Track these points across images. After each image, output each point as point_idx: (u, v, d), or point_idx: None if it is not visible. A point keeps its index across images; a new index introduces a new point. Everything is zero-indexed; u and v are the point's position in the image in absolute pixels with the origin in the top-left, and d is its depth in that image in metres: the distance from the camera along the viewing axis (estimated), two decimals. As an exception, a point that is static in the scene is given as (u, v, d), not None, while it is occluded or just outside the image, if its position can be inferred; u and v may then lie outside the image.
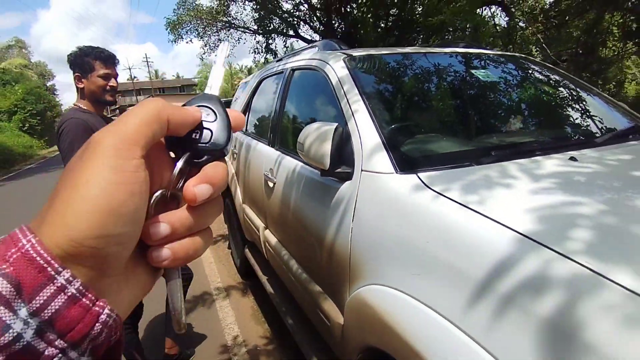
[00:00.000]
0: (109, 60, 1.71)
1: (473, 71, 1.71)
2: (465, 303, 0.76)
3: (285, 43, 16.29)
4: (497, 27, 10.35)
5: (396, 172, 1.11)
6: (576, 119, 1.58)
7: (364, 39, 11.79)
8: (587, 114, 1.60)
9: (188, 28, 16.19)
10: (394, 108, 1.50)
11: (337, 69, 1.58)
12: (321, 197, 1.40)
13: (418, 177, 1.04)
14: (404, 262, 0.96)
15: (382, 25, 12.79)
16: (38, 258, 0.22)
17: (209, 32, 16.18)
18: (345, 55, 1.67)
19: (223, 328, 2.59)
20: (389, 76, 1.65)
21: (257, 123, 2.75)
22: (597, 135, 1.42)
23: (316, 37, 16.33)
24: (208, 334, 2.51)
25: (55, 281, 0.22)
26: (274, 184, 1.98)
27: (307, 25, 16.05)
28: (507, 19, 10.52)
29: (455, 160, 1.11)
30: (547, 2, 9.38)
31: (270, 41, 15.49)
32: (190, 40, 16.50)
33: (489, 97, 1.69)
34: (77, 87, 1.73)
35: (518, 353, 0.63)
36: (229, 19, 15.85)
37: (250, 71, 43.51)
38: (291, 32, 16.02)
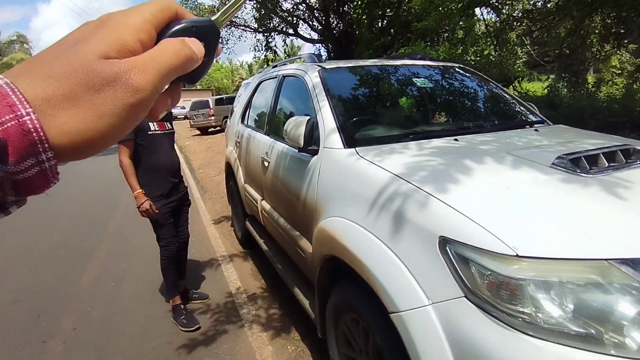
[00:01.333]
0: None
1: (414, 79, 2.35)
2: (373, 216, 1.39)
3: (285, 41, 16.80)
4: (489, 28, 10.85)
5: (344, 147, 1.75)
6: (479, 114, 2.23)
7: (360, 39, 12.38)
8: (490, 110, 2.24)
9: (190, 24, 16.61)
10: (349, 105, 2.14)
11: (312, 77, 2.22)
12: (299, 167, 2.04)
13: (355, 150, 1.68)
14: (343, 200, 1.59)
15: (378, 25, 13.34)
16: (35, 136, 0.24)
17: (210, 30, 16.70)
18: (320, 67, 2.31)
19: (228, 283, 3.23)
20: (348, 82, 2.29)
21: (256, 117, 3.38)
22: (486, 126, 2.05)
23: (315, 35, 16.95)
24: (216, 287, 3.15)
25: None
26: (269, 163, 2.61)
27: (306, 24, 16.61)
28: (497, 19, 11.06)
29: (380, 141, 1.76)
30: (530, 4, 9.90)
31: (270, 39, 16.00)
32: (192, 38, 16.98)
33: (422, 98, 2.33)
34: None
35: (402, 243, 1.25)
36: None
37: (250, 67, 44.04)
38: (290, 31, 16.62)
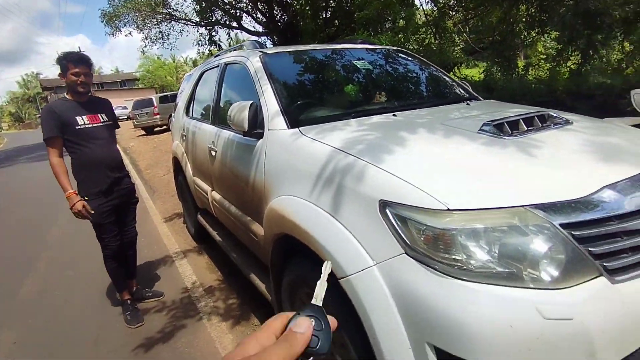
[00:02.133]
0: (79, 61, 2.24)
1: (355, 62, 2.42)
2: (318, 190, 1.43)
3: (229, 35, 16.37)
4: (428, 17, 11.26)
5: (287, 128, 1.77)
6: (417, 92, 2.35)
7: (304, 30, 12.37)
8: (427, 88, 2.37)
9: (126, 20, 15.63)
10: (291, 87, 2.17)
11: (254, 62, 2.22)
12: (246, 152, 2.03)
13: (299, 130, 1.71)
14: (290, 178, 1.62)
15: (322, 16, 13.39)
16: None
17: (149, 25, 15.82)
18: (261, 53, 2.30)
19: (183, 278, 3.15)
20: (290, 66, 2.31)
21: (201, 108, 3.30)
22: (423, 102, 2.18)
23: (260, 28, 16.67)
24: (171, 284, 3.07)
25: None
26: (216, 152, 2.57)
27: (250, 17, 16.26)
28: (435, 9, 11.54)
29: (322, 120, 1.80)
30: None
31: (213, 33, 15.52)
32: (130, 33, 16.03)
33: (362, 79, 2.41)
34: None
35: (345, 211, 1.30)
36: (169, 10, 15.63)
37: (195, 63, 42.50)
38: (234, 24, 16.20)
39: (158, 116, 14.58)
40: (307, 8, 11.46)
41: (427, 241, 1.06)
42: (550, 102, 7.26)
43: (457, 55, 11.03)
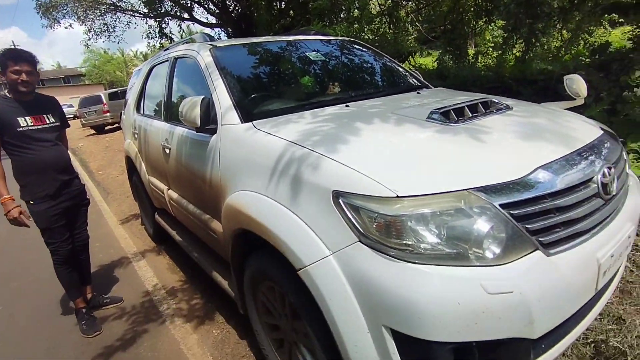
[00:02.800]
0: (19, 58, 2.09)
1: (307, 53, 2.42)
2: (273, 184, 1.43)
3: (180, 26, 15.73)
4: (382, 7, 11.38)
5: (241, 123, 1.75)
6: (370, 83, 2.40)
7: (259, 21, 12.12)
8: (379, 78, 2.42)
9: (65, 11, 14.56)
10: (244, 81, 2.14)
11: (204, 56, 2.16)
12: (200, 148, 1.99)
13: (252, 124, 1.70)
14: (245, 173, 1.61)
15: (276, 7, 13.19)
16: None
17: (91, 16, 14.86)
18: (212, 46, 2.25)
19: (143, 281, 3.05)
20: (242, 59, 2.28)
21: (152, 104, 3.17)
22: (376, 92, 2.22)
23: (212, 19, 16.13)
24: (131, 288, 2.96)
25: None
26: (170, 150, 2.49)
27: (202, 8, 15.68)
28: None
29: (277, 113, 1.80)
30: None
31: (163, 25, 14.82)
32: (70, 25, 14.98)
33: (316, 71, 2.42)
34: None
35: (301, 203, 1.30)
36: (114, 0, 14.75)
37: (145, 57, 40.52)
38: (185, 15, 15.58)
39: (108, 114, 13.82)
40: (261, -1, 11.21)
41: (379, 228, 1.10)
42: (499, 87, 7.62)
43: (411, 45, 11.28)
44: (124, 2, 14.77)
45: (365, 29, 10.18)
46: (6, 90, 2.25)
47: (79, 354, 2.26)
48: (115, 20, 15.13)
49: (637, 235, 2.49)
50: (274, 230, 1.34)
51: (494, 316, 1.02)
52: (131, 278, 3.13)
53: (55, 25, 14.27)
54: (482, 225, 1.07)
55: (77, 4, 14.21)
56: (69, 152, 2.60)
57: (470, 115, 1.60)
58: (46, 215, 2.29)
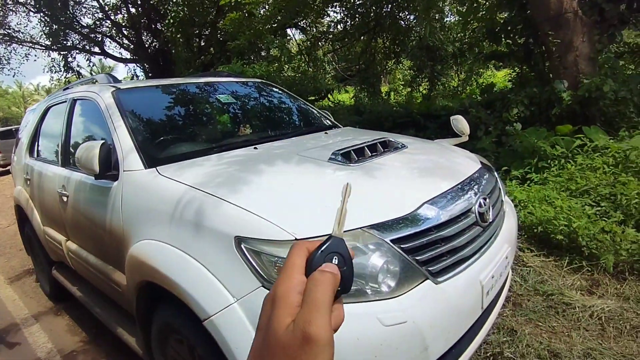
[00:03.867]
0: None
1: (218, 95, 2.44)
2: (176, 231, 1.38)
3: (90, 60, 14.78)
4: (300, 47, 11.94)
5: (145, 168, 1.68)
6: (280, 124, 2.49)
7: (177, 57, 11.93)
8: (289, 119, 2.52)
9: (-55, 41, 12.94)
10: (148, 125, 2.08)
11: (105, 98, 2.06)
12: (100, 195, 1.85)
13: (156, 169, 1.64)
14: (148, 221, 1.53)
15: (195, 44, 13.13)
16: None
17: (-19, 47, 13.37)
18: (114, 88, 2.16)
19: (35, 349, 2.65)
20: (147, 102, 2.22)
21: (47, 147, 2.89)
22: (285, 133, 2.31)
23: (127, 54, 15.47)
24: (18, 357, 2.55)
25: None
26: (67, 197, 2.28)
27: (114, 42, 14.98)
28: (303, 37, 12.34)
29: (183, 157, 1.77)
30: (325, 27, 11.40)
31: (69, 59, 13.82)
32: (-47, 57, 13.29)
33: (227, 113, 2.45)
34: None
35: (204, 250, 1.27)
36: (9, 31, 13.45)
37: (49, 92, 37.06)
38: (96, 49, 14.74)
39: (0, 155, 12.21)
40: (179, 35, 11.11)
41: (279, 270, 1.12)
42: (409, 122, 8.33)
43: (329, 83, 11.93)
44: (21, 33, 13.54)
45: (286, 67, 10.56)
46: None
47: None
48: (10, 52, 13.77)
49: (523, 252, 2.84)
50: (177, 280, 1.28)
51: (391, 347, 1.07)
52: (20, 347, 2.70)
53: None
54: (376, 260, 1.14)
55: (-39, 34, 12.72)
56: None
57: (370, 154, 1.73)
58: None
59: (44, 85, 37.37)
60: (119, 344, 2.17)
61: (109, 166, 1.79)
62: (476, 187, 1.54)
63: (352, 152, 1.68)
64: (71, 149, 2.42)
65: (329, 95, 12.95)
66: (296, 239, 1.11)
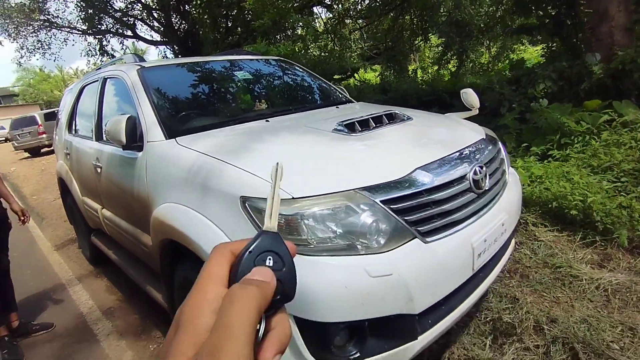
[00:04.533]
0: None
1: (236, 72, 2.56)
2: (190, 193, 1.54)
3: (123, 44, 15.27)
4: (327, 25, 11.80)
5: (165, 139, 1.84)
6: (294, 99, 2.58)
7: (205, 39, 12.13)
8: (303, 94, 2.61)
9: (-7, 28, 13.69)
10: (170, 100, 2.24)
11: (131, 76, 2.23)
12: (127, 165, 2.04)
13: (175, 140, 1.80)
14: (168, 186, 1.70)
15: (223, 25, 13.26)
16: None
17: (24, 33, 14.07)
18: (139, 67, 2.32)
19: (78, 305, 2.97)
20: (169, 79, 2.37)
21: (83, 124, 3.14)
22: (298, 108, 2.41)
23: (157, 37, 15.86)
24: (64, 312, 2.88)
25: None
26: (101, 169, 2.50)
27: (146, 25, 15.38)
28: (329, 15, 12.18)
29: (200, 129, 1.91)
30: (351, 4, 11.18)
31: (104, 43, 14.36)
32: (0, 43, 14.07)
33: (244, 88, 2.57)
34: None
35: (213, 209, 1.42)
36: (48, 17, 14.09)
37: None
38: (128, 33, 15.21)
39: (44, 135, 13.02)
40: (206, 17, 11.27)
41: (280, 227, 1.24)
42: (434, 100, 8.20)
43: (355, 61, 11.80)
44: (60, 19, 14.14)
45: (312, 46, 10.52)
46: None
47: (4, 384, 2.18)
48: (51, 37, 14.43)
49: (536, 226, 2.85)
50: (191, 236, 1.44)
51: (377, 296, 1.19)
52: (65, 303, 3.03)
53: (-18, 43, 13.35)
54: (366, 219, 1.24)
55: (7, 21, 13.43)
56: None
57: (374, 125, 1.81)
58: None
59: (82, 69, 38.97)
60: (150, 303, 2.41)
61: (134, 138, 1.96)
62: (473, 156, 1.60)
63: (356, 123, 1.76)
64: (103, 124, 2.63)
65: (356, 74, 12.83)
66: (293, 198, 1.23)
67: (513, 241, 1.97)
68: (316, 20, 11.92)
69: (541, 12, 5.24)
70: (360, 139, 1.63)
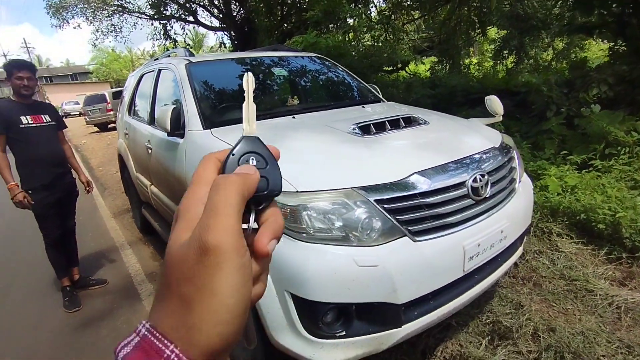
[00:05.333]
0: (22, 67, 2.49)
1: (272, 69, 2.77)
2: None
3: (184, 29, 16.17)
4: (380, 15, 11.68)
5: (202, 129, 2.10)
6: (323, 96, 2.74)
7: (259, 27, 12.51)
8: (333, 92, 2.76)
9: (74, 12, 15.05)
10: (209, 93, 2.49)
11: (180, 70, 2.51)
12: (171, 149, 2.34)
13: (210, 131, 2.04)
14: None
15: (278, 13, 13.56)
16: None
17: (99, 17, 15.35)
18: (187, 61, 2.60)
19: (127, 267, 3.40)
20: (212, 74, 2.63)
21: (140, 108, 3.53)
22: (326, 105, 2.57)
23: (216, 22, 16.57)
24: (116, 272, 3.31)
25: None
26: (151, 150, 2.84)
27: (206, 12, 16.11)
28: (383, 6, 12.02)
29: (231, 122, 2.15)
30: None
31: (168, 27, 15.30)
32: (79, 26, 15.46)
33: (277, 85, 2.77)
34: None
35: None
36: (121, 2, 15.24)
37: (152, 56, 40.97)
38: (190, 18, 16.03)
39: (112, 112, 14.25)
40: (262, 5, 11.61)
41: (285, 216, 1.43)
42: (482, 99, 7.92)
43: (406, 54, 11.61)
44: (131, 4, 15.23)
45: (365, 37, 10.47)
46: (11, 95, 2.64)
47: (65, 325, 2.61)
48: (122, 22, 15.59)
49: (560, 237, 2.82)
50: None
51: (363, 283, 1.35)
52: (117, 264, 3.48)
53: (64, 24, 14.73)
54: (360, 214, 1.40)
55: (86, 5, 14.70)
56: (72, 149, 2.98)
57: (390, 128, 1.93)
58: (41, 203, 2.65)
59: (148, 50, 41.52)
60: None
61: (178, 126, 2.24)
62: (476, 164, 1.68)
63: (371, 125, 1.90)
64: (155, 111, 2.97)
65: (407, 68, 12.62)
66: (297, 191, 1.41)
67: (520, 249, 2.01)
68: (370, 10, 11.82)
69: (604, 11, 4.91)
70: (371, 141, 1.76)
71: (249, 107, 0.37)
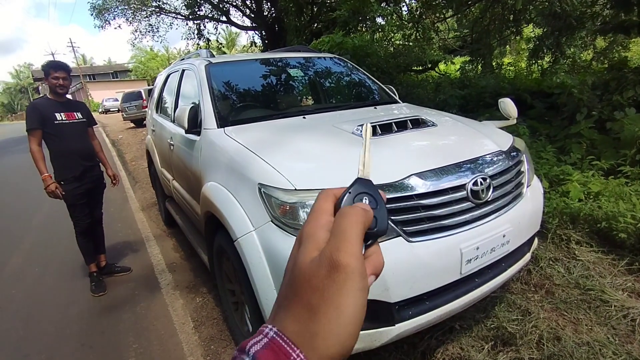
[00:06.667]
0: (58, 68, 2.69)
1: (289, 69, 2.84)
2: (227, 176, 1.86)
3: (217, 29, 16.62)
4: (411, 14, 11.53)
5: (217, 128, 2.20)
6: (336, 96, 2.78)
7: (288, 26, 12.67)
8: (346, 93, 2.80)
9: (115, 13, 15.83)
10: (225, 93, 2.59)
11: (200, 70, 2.63)
12: (189, 146, 2.46)
13: (224, 129, 2.14)
14: (214, 168, 2.05)
15: (307, 13, 13.68)
16: None
17: (138, 17, 16.07)
18: (207, 62, 2.72)
19: (150, 257, 3.58)
20: (230, 74, 2.73)
21: (165, 106, 3.70)
22: (336, 106, 2.60)
23: (248, 22, 16.93)
24: (139, 261, 3.51)
25: None
26: (173, 146, 2.99)
27: (239, 11, 16.49)
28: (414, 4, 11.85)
29: (247, 121, 2.23)
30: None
31: (201, 27, 15.79)
32: (119, 26, 16.25)
33: (291, 86, 2.84)
34: None
35: (240, 191, 1.72)
36: (159, 3, 15.87)
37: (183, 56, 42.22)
38: (223, 18, 16.47)
39: (147, 109, 14.87)
40: (291, 4, 11.75)
41: (283, 212, 1.50)
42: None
43: (435, 54, 11.41)
44: (168, 5, 15.83)
45: (395, 37, 10.37)
46: (47, 93, 2.86)
47: (91, 307, 2.80)
48: (159, 22, 16.22)
49: (580, 245, 2.73)
50: (222, 212, 1.77)
51: (355, 280, 1.39)
52: (141, 254, 3.68)
53: (106, 25, 15.51)
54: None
55: (126, 7, 15.44)
56: (100, 144, 3.19)
57: (396, 130, 1.95)
58: (72, 193, 2.86)
59: (183, 50, 42.88)
60: (202, 263, 2.86)
61: (195, 124, 2.36)
62: (478, 167, 1.67)
63: (377, 127, 1.93)
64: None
65: (437, 68, 12.39)
66: (295, 189, 1.47)
67: (528, 254, 1.98)
68: (401, 9, 11.68)
69: (644, 9, 4.65)
70: (373, 142, 1.79)
71: (365, 153, 0.41)
